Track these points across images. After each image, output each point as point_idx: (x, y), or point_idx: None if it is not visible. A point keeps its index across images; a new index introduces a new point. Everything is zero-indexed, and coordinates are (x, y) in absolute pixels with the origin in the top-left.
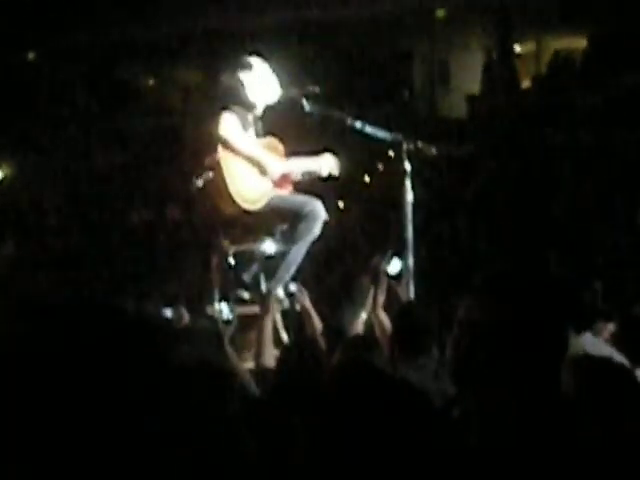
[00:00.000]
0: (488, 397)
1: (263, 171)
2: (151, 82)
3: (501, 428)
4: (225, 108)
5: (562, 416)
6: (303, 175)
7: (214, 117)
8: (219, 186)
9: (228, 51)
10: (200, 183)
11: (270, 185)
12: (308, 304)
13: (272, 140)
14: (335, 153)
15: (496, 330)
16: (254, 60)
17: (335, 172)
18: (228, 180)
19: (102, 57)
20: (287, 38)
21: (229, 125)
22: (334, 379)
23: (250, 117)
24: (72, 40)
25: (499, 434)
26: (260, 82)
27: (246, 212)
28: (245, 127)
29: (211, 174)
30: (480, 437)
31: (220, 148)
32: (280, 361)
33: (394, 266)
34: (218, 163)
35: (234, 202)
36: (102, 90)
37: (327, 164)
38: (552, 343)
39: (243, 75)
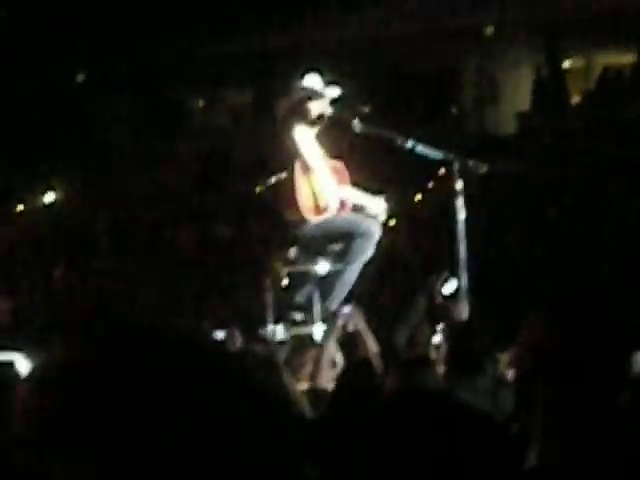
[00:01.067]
0: (549, 416)
1: (324, 192)
2: (201, 103)
3: (561, 448)
4: (293, 122)
5: (621, 437)
6: (353, 207)
7: (284, 129)
8: (287, 189)
9: (276, 72)
10: (272, 180)
11: None
12: (362, 325)
13: (339, 164)
14: (387, 197)
15: (559, 350)
16: (314, 77)
17: (382, 217)
18: (297, 185)
19: (152, 79)
20: (335, 58)
21: (303, 137)
22: (390, 402)
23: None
24: (122, 62)
25: (559, 454)
26: (322, 99)
27: (304, 222)
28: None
29: (283, 175)
30: (540, 456)
31: (297, 156)
32: (337, 383)
33: (450, 286)
34: (292, 167)
35: (298, 209)
36: (152, 112)
37: (378, 207)
38: (614, 364)
39: (311, 91)
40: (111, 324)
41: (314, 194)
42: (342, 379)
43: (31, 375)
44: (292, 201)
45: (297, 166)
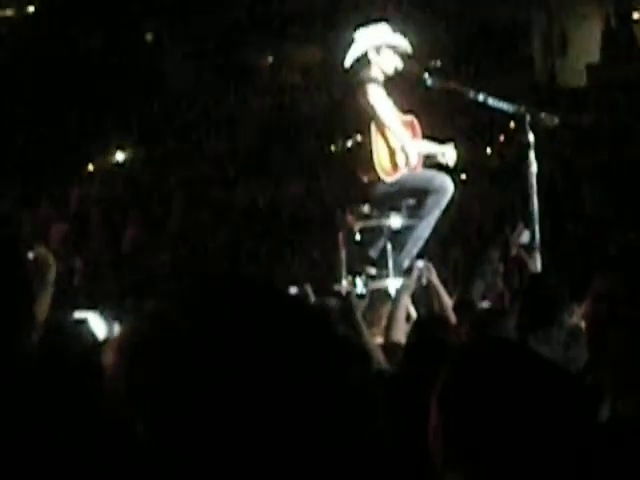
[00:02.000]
0: (620, 369)
1: (403, 149)
2: (270, 60)
3: (633, 401)
4: (365, 80)
5: None
6: (425, 157)
7: (357, 88)
8: (364, 151)
9: (344, 27)
10: (349, 144)
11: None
12: (435, 280)
13: (411, 119)
14: (456, 145)
15: (630, 301)
16: (381, 25)
17: (451, 163)
18: (374, 147)
19: (220, 37)
20: (405, 11)
21: (378, 95)
22: (463, 352)
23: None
24: (189, 20)
25: (631, 407)
26: (388, 46)
27: (380, 182)
28: (388, 98)
29: (359, 137)
30: (611, 409)
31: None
32: (411, 337)
33: (524, 237)
34: (368, 129)
35: (374, 169)
36: (221, 70)
37: (448, 154)
38: None
39: (373, 39)
40: (196, 285)
41: (392, 154)
42: (414, 333)
43: (119, 338)
44: (370, 164)
45: (373, 127)
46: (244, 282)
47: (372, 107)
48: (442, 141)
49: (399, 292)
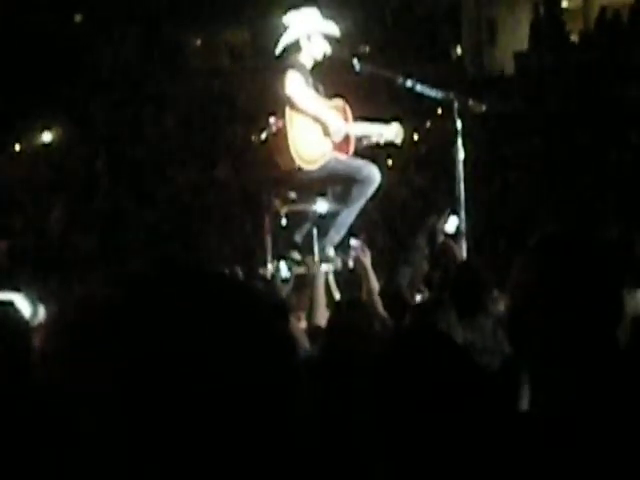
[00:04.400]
0: (542, 358)
1: (326, 131)
2: (198, 42)
3: (555, 390)
4: (288, 66)
5: (619, 377)
6: (362, 139)
7: (277, 75)
8: (280, 142)
9: (274, 9)
10: (263, 136)
11: (330, 147)
12: (368, 264)
13: (340, 102)
14: (401, 122)
15: (549, 291)
16: (311, 10)
17: (398, 140)
18: (290, 137)
19: (149, 18)
20: None
21: (295, 83)
22: (398, 343)
23: (309, 74)
24: (118, 2)
25: (553, 396)
26: (319, 32)
27: (301, 170)
28: (308, 85)
29: (274, 128)
30: (532, 399)
31: (287, 105)
32: (331, 321)
33: (451, 224)
34: (283, 119)
35: (292, 160)
36: (149, 52)
37: (390, 132)
38: (608, 303)
39: (305, 26)
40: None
41: (312, 142)
42: (332, 319)
43: (50, 319)
44: (287, 154)
45: (288, 116)
46: (182, 267)
47: (287, 96)
48: (386, 120)
49: (316, 277)
